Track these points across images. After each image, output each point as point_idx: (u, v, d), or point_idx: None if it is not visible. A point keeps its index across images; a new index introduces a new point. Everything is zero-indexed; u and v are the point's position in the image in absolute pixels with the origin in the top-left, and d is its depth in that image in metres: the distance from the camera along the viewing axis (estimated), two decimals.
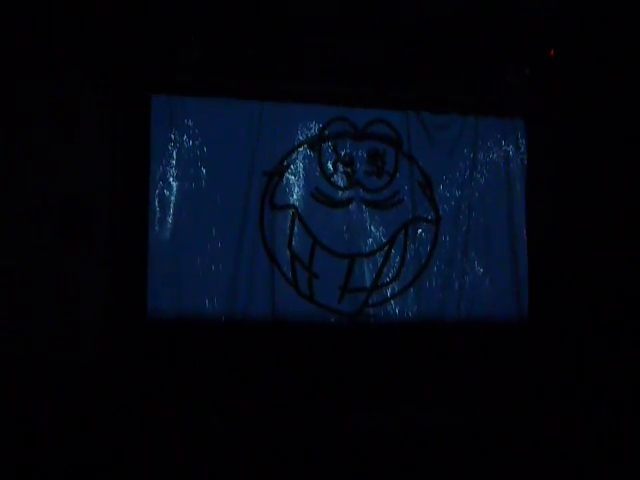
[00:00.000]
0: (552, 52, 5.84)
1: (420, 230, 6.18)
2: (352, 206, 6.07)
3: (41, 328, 5.36)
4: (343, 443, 5.32)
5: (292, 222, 6.00)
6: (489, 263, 6.29)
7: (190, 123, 5.85)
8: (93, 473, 4.60)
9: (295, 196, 6.02)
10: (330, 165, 6.06)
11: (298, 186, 6.02)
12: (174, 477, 4.67)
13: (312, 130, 6.07)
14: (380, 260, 6.11)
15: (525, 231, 6.33)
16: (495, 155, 6.35)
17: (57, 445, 4.86)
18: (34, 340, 5.33)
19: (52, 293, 5.43)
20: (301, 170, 6.04)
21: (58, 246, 5.47)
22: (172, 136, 5.83)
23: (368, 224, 6.09)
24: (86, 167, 5.57)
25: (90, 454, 4.81)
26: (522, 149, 6.37)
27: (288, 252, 5.99)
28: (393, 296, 6.12)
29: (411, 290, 6.15)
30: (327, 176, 6.05)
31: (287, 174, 6.04)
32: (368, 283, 6.08)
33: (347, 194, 6.08)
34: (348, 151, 6.08)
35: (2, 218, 5.29)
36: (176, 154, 5.83)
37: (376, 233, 6.10)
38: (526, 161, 6.36)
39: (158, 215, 5.78)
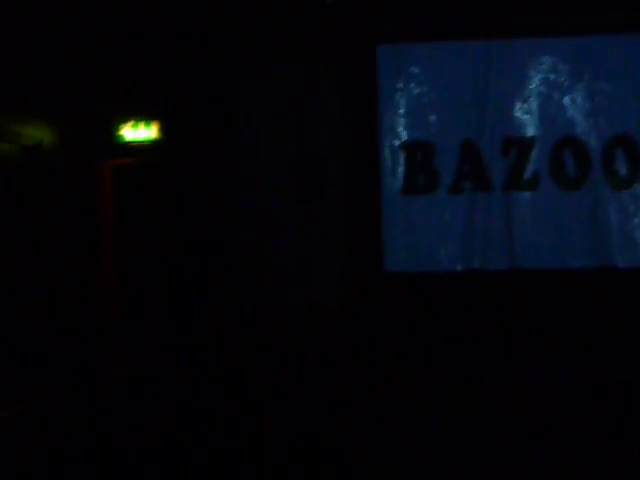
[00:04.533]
0: None
1: None
2: None
3: (283, 277, 5.61)
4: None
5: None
6: None
7: (416, 70, 5.76)
8: (332, 409, 4.68)
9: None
10: (568, 99, 5.65)
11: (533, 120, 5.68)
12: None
13: (545, 65, 5.68)
14: None
15: None
16: None
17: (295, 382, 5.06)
18: (276, 289, 5.60)
19: (292, 245, 5.65)
20: (535, 108, 5.69)
21: (296, 199, 5.66)
22: (399, 85, 5.77)
23: None
24: (317, 122, 5.72)
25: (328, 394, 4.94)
26: None
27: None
28: None
29: None
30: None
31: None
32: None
33: None
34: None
35: (249, 174, 5.59)
36: (404, 103, 5.77)
37: None
38: None
39: (390, 166, 5.78)
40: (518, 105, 5.70)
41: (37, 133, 5.37)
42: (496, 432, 4.25)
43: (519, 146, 5.68)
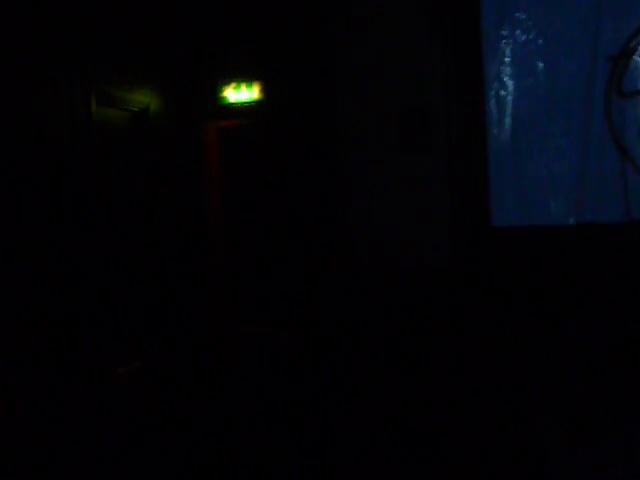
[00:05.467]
0: None
1: None
2: None
3: (390, 235, 5.57)
4: None
5: None
6: None
7: (522, 16, 5.52)
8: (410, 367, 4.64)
9: None
10: None
11: None
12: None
13: None
14: None
15: None
16: None
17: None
18: (384, 247, 5.57)
19: (399, 202, 5.60)
20: None
21: (400, 155, 5.59)
22: (504, 32, 5.56)
23: None
24: (421, 73, 5.60)
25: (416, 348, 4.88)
26: None
27: None
28: None
29: None
30: None
31: (636, 56, 5.40)
32: None
33: None
34: None
35: (354, 132, 5.56)
36: (510, 51, 5.56)
37: None
38: None
39: (495, 117, 5.60)
40: (635, 50, 5.38)
41: (143, 99, 5.51)
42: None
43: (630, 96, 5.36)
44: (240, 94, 5.75)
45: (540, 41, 5.50)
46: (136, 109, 5.45)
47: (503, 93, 5.58)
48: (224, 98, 5.78)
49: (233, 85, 5.76)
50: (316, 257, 5.52)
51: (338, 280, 5.49)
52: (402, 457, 3.41)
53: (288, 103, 5.74)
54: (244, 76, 5.75)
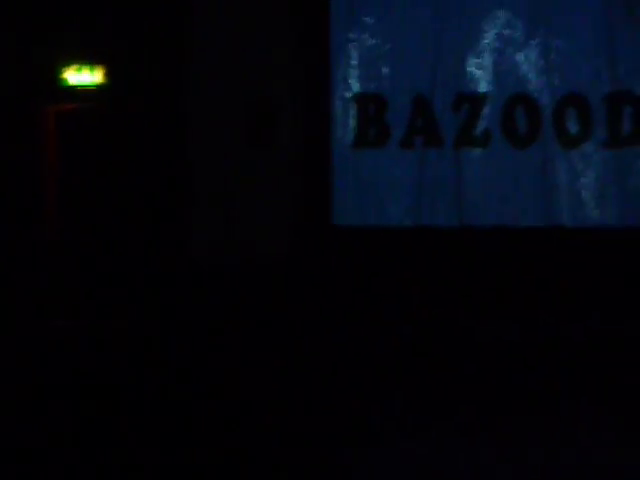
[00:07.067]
0: None
1: None
2: None
3: (233, 230, 5.56)
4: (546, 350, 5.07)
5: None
6: None
7: (370, 21, 5.64)
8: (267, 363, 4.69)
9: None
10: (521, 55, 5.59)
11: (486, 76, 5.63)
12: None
13: (500, 20, 5.59)
14: None
15: None
16: None
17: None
18: (226, 241, 5.56)
19: (243, 197, 5.58)
20: (488, 63, 5.63)
21: (246, 149, 5.58)
22: (352, 35, 5.66)
23: None
24: (268, 71, 5.59)
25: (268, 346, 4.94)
26: None
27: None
28: None
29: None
30: None
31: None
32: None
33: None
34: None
35: (200, 123, 5.49)
36: (357, 54, 5.67)
37: None
38: None
39: (341, 118, 5.70)
40: (471, 60, 5.63)
41: None
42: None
43: (471, 102, 5.63)
44: (82, 77, 5.52)
45: (386, 46, 5.65)
46: None
47: (348, 95, 5.68)
48: (64, 80, 5.52)
49: (74, 67, 5.51)
50: (153, 247, 5.42)
51: (176, 275, 5.43)
52: None
53: (134, 88, 5.57)
54: (87, 58, 5.52)
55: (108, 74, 5.62)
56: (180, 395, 3.98)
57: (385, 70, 5.65)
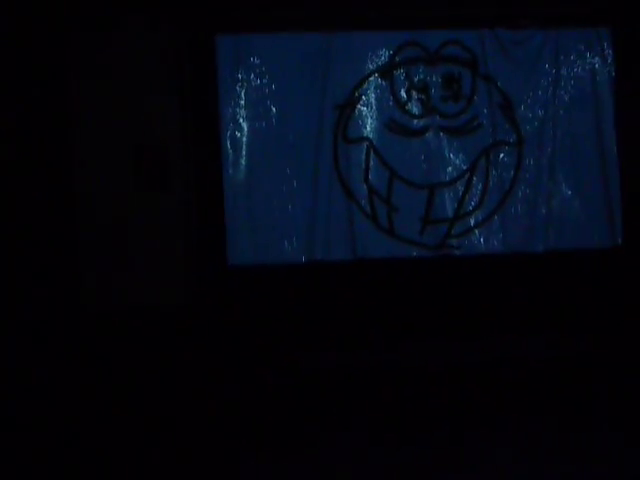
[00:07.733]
0: None
1: (502, 154, 5.86)
2: (429, 134, 5.80)
3: (124, 275, 5.45)
4: (433, 376, 5.26)
5: (367, 155, 5.81)
6: (578, 185, 5.90)
7: (257, 61, 5.71)
8: (175, 410, 4.67)
9: (369, 128, 5.80)
10: (403, 93, 5.80)
11: (371, 117, 5.80)
12: (253, 417, 4.66)
13: (383, 58, 5.81)
14: (461, 189, 5.84)
15: (616, 149, 5.90)
16: (579, 69, 5.92)
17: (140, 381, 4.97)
18: (116, 287, 5.44)
19: (134, 242, 5.49)
20: (373, 100, 5.81)
21: (137, 194, 5.50)
22: (240, 76, 5.70)
23: (447, 152, 5.82)
24: (156, 114, 5.54)
25: (172, 394, 4.90)
26: (609, 60, 5.90)
27: (365, 186, 5.82)
28: (477, 225, 5.87)
29: (495, 218, 5.86)
30: (401, 105, 5.79)
31: (359, 105, 5.82)
32: (450, 213, 5.85)
33: (423, 122, 5.80)
34: (421, 77, 5.79)
35: (89, 168, 5.37)
36: (245, 94, 5.72)
37: (455, 160, 5.83)
38: (614, 73, 5.90)
39: (232, 158, 5.72)
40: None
41: None
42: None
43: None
44: None
45: (273, 86, 5.73)
46: None
47: (238, 135, 5.72)
48: None
49: None
50: (39, 296, 5.22)
51: (64, 323, 5.24)
52: None
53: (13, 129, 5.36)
54: None
55: None
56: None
57: (273, 109, 5.72)
